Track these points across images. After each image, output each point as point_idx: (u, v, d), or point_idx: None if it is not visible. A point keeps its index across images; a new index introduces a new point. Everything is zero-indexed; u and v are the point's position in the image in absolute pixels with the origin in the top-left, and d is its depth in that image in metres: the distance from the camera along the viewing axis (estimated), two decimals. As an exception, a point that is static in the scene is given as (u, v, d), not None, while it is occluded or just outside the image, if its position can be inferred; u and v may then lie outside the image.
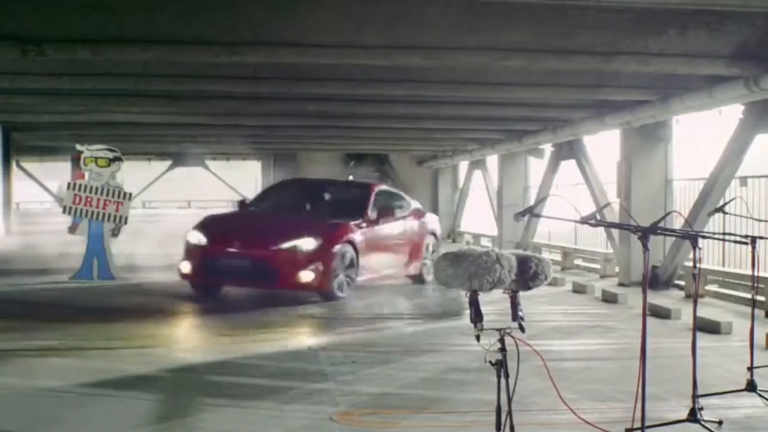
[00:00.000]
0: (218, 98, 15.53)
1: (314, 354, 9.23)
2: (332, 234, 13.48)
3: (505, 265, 4.63)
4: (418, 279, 16.00)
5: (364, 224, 14.31)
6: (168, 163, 38.41)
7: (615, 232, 17.02)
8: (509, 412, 4.76)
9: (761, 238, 7.19)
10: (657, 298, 13.28)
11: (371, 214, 14.61)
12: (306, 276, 12.83)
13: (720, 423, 6.23)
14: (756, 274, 7.49)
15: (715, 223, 13.04)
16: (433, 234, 16.99)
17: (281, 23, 10.00)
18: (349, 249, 13.59)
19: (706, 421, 6.09)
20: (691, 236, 6.15)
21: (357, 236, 13.90)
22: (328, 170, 31.72)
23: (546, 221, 20.19)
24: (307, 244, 13.01)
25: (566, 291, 15.64)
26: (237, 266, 13.02)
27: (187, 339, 9.96)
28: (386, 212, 14.90)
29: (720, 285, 14.58)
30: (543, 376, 5.54)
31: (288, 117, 18.65)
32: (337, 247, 13.30)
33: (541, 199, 18.84)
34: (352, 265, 13.64)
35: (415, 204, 16.94)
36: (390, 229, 15.14)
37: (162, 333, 10.40)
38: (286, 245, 12.96)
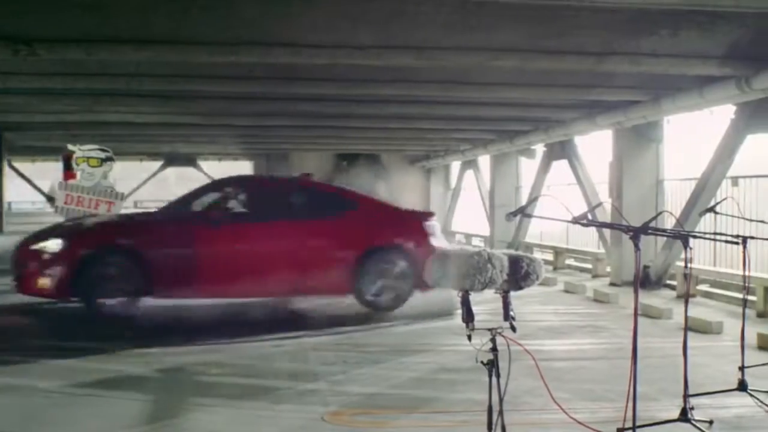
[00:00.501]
0: (211, 98, 15.48)
1: (305, 354, 9.24)
2: (84, 235, 11.69)
3: (497, 265, 4.65)
4: (363, 301, 12.05)
5: (171, 226, 11.69)
6: (160, 163, 38.35)
7: (607, 232, 17.07)
8: (500, 412, 4.77)
9: (752, 238, 7.22)
10: (648, 298, 13.31)
11: (203, 214, 11.91)
12: (43, 282, 10.97)
13: (711, 423, 6.25)
14: (747, 274, 7.52)
15: (706, 223, 13.06)
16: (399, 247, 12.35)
17: (276, 23, 9.97)
18: (122, 254, 11.15)
19: (697, 420, 6.11)
20: (682, 236, 6.17)
21: (144, 239, 11.40)
22: (320, 170, 31.71)
23: (538, 221, 20.23)
24: (53, 245, 11.18)
25: (558, 291, 15.67)
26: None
27: (179, 336, 9.94)
28: (215, 214, 11.90)
29: (711, 285, 14.60)
30: (534, 375, 5.55)
31: (281, 117, 18.61)
32: (87, 251, 11.09)
33: (532, 199, 18.83)
34: (132, 274, 11.01)
35: (366, 205, 12.91)
36: (259, 234, 11.73)
37: (152, 330, 10.40)
38: (36, 246, 11.32)
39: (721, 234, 7.24)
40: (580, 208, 5.88)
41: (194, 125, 20.51)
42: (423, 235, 12.47)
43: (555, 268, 20.10)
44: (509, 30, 10.09)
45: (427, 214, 13.33)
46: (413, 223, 12.82)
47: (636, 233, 5.46)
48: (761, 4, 8.28)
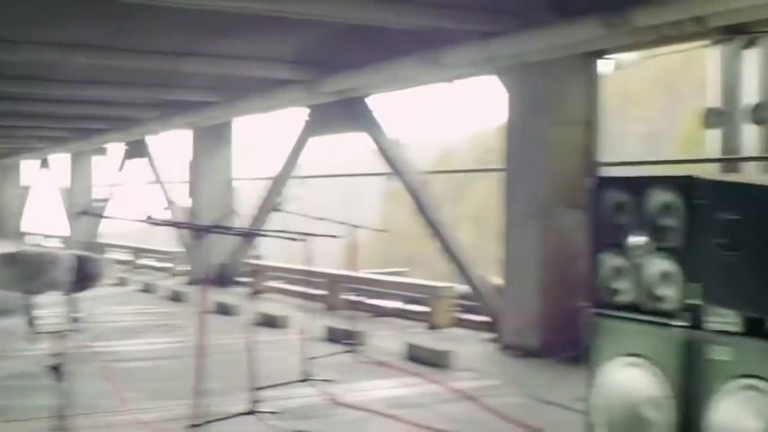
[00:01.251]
0: None
1: None
2: None
3: (61, 266, 4.58)
4: None
5: None
6: None
7: (185, 231, 17.16)
8: (69, 417, 4.69)
9: (315, 235, 7.59)
10: (223, 295, 13.51)
11: None
12: None
13: (276, 413, 6.52)
14: (312, 269, 7.90)
15: (280, 221, 13.48)
16: None
17: None
18: None
19: (263, 412, 6.37)
20: (247, 234, 6.39)
21: None
22: None
23: (118, 220, 19.93)
24: None
25: (135, 290, 15.57)
26: None
27: None
28: None
29: (286, 281, 15.10)
30: (107, 377, 5.52)
31: None
32: None
33: (104, 198, 18.61)
34: None
35: None
36: None
37: None
38: None
39: (285, 231, 7.53)
40: (161, 206, 5.92)
41: None
42: None
43: (134, 268, 19.91)
44: (83, 26, 9.89)
45: None
46: None
47: (202, 232, 5.58)
48: (324, 12, 8.73)
